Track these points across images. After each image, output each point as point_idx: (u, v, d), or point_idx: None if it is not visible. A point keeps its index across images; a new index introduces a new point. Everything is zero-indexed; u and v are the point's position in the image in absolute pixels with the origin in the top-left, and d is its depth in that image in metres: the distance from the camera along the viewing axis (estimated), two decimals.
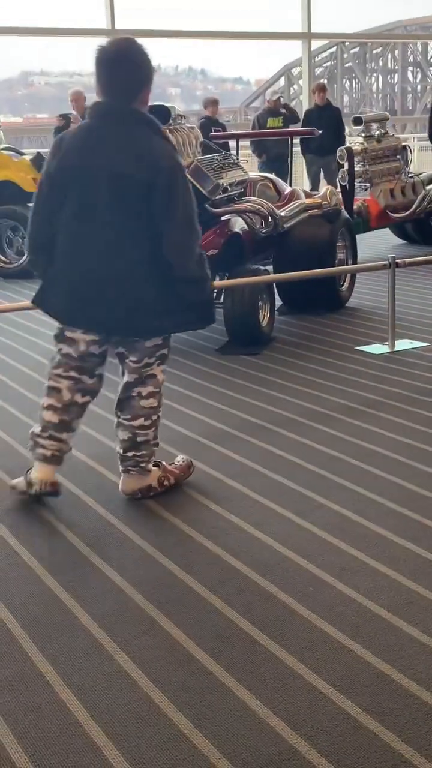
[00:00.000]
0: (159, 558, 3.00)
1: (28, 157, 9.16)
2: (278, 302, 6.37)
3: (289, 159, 8.48)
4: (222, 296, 5.83)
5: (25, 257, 8.69)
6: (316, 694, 2.26)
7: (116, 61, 3.21)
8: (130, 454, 3.44)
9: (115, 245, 3.18)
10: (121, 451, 3.46)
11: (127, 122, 3.21)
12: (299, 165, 11.73)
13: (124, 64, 3.20)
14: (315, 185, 10.84)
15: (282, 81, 45.77)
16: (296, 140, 10.05)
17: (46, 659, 2.45)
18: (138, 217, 3.16)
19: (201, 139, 6.11)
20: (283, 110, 11.21)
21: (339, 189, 8.00)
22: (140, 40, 3.28)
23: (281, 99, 11.81)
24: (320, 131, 9.03)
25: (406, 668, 2.35)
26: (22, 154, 9.42)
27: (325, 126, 9.97)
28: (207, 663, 2.41)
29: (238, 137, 8.44)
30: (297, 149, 11.30)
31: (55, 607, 2.71)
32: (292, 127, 10.67)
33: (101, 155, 3.17)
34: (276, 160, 10.03)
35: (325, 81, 45.87)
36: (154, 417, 3.45)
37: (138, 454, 3.43)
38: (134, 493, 3.48)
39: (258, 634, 2.53)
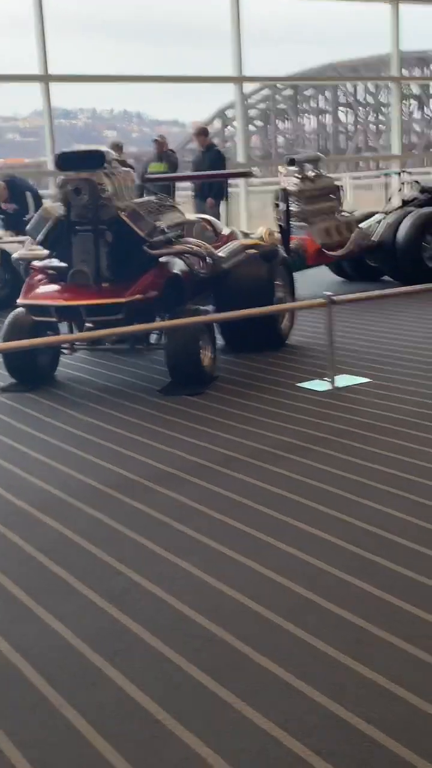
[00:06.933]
0: (105, 607, 2.95)
1: None
2: (219, 342, 6.40)
3: (224, 199, 8.58)
4: (163, 337, 5.84)
5: None
6: (266, 737, 2.24)
7: None
8: None
9: None
10: None
11: None
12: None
13: None
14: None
15: (217, 123, 46.39)
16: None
17: None
18: None
19: (136, 182, 6.15)
20: (172, 154, 10.67)
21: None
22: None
23: (162, 141, 10.83)
24: (257, 171, 9.16)
25: (355, 707, 2.34)
26: None
27: (207, 168, 9.73)
28: (155, 711, 2.36)
29: (173, 180, 8.52)
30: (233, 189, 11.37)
31: None
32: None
33: None
34: None
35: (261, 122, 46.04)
36: None
37: None
38: None
39: (207, 680, 2.50)
